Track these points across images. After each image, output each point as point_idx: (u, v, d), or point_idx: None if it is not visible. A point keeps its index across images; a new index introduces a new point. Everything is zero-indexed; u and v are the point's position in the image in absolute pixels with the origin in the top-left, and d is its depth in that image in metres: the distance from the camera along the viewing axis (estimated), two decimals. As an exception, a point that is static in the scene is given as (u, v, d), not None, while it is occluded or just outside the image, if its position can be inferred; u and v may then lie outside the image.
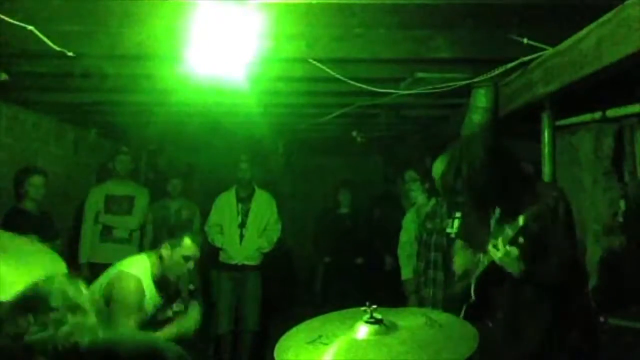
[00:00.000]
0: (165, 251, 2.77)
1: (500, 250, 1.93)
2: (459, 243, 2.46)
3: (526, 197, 2.02)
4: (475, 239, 2.22)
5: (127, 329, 0.95)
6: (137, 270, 2.71)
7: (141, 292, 2.67)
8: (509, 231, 1.92)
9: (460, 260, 2.35)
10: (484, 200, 2.16)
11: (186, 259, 2.79)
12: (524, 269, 1.95)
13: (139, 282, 2.67)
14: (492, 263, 2.01)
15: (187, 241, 2.80)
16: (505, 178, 2.07)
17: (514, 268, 1.96)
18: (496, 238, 1.96)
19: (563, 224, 2.02)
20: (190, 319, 2.78)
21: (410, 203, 4.39)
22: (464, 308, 2.14)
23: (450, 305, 2.51)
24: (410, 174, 4.20)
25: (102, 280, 2.72)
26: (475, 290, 2.10)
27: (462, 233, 2.55)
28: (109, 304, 2.59)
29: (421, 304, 3.19)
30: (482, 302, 2.12)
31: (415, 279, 3.49)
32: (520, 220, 1.90)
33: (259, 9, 2.11)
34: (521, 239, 1.92)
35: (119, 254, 4.58)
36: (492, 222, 2.14)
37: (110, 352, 0.90)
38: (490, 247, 1.98)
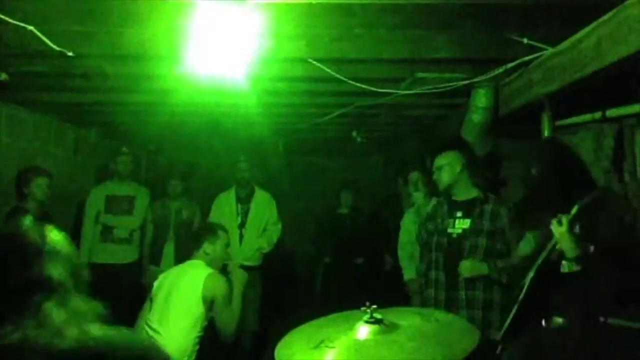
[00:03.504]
0: (209, 247, 3.11)
1: (563, 225, 2.04)
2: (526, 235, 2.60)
3: (582, 192, 2.12)
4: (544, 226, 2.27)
5: (123, 331, 0.94)
6: (214, 272, 3.05)
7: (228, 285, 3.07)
8: (573, 211, 2.05)
9: (523, 249, 2.49)
10: (545, 200, 2.29)
11: (226, 246, 3.22)
12: (578, 254, 2.01)
13: (225, 280, 3.06)
14: (550, 260, 2.07)
15: (222, 232, 3.22)
16: (570, 177, 2.21)
17: (570, 247, 2.03)
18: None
19: (615, 219, 2.11)
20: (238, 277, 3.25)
21: (410, 203, 4.39)
22: (515, 307, 2.15)
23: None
24: (415, 175, 4.21)
25: (184, 285, 2.97)
26: (529, 288, 2.13)
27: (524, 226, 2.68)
28: (211, 306, 2.94)
29: (423, 304, 3.18)
30: (537, 303, 2.15)
31: (418, 280, 3.49)
32: (574, 209, 2.05)
33: (259, 9, 2.12)
34: (578, 227, 2.04)
35: (119, 254, 4.62)
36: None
37: (101, 353, 0.89)
38: (554, 223, 2.08)
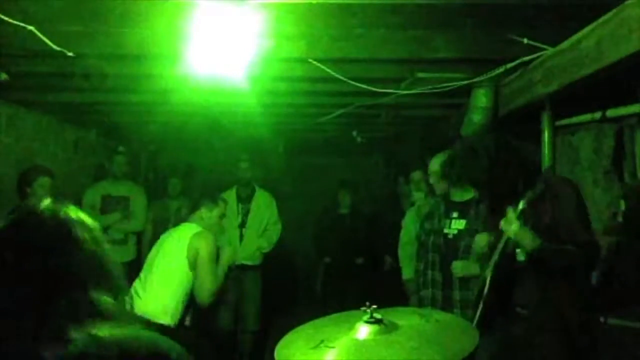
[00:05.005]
0: (206, 213, 3.19)
1: (514, 224, 2.04)
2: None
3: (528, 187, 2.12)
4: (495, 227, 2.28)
5: (134, 327, 0.92)
6: (205, 231, 3.11)
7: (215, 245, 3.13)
8: (519, 206, 2.05)
9: (477, 246, 2.54)
10: (495, 196, 2.29)
11: (221, 217, 3.30)
12: (539, 244, 2.01)
13: (212, 239, 3.11)
14: (506, 254, 2.08)
15: (222, 202, 3.32)
16: (511, 172, 2.17)
17: (529, 241, 2.03)
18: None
19: (573, 211, 2.09)
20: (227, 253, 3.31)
21: (411, 203, 4.39)
22: (480, 305, 2.16)
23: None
24: (417, 174, 4.21)
25: (173, 240, 3.07)
26: (490, 286, 2.13)
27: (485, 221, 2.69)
28: (194, 266, 2.97)
29: (421, 304, 3.19)
30: (500, 299, 2.16)
31: (416, 279, 3.49)
32: (521, 204, 2.05)
33: (259, 9, 2.12)
34: (528, 221, 2.04)
35: (115, 254, 4.58)
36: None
37: (118, 350, 0.88)
38: (502, 223, 2.09)
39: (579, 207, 2.12)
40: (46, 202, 0.99)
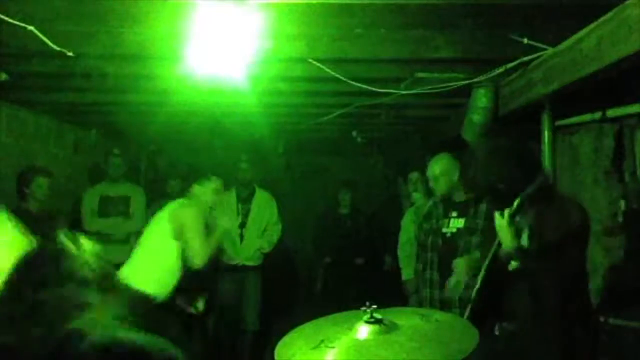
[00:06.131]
0: (198, 189, 3.20)
1: (505, 218, 2.08)
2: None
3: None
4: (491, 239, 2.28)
5: (124, 330, 0.95)
6: (190, 202, 3.15)
7: (203, 213, 3.15)
8: (515, 203, 2.08)
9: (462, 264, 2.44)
10: (506, 199, 2.28)
11: (216, 192, 3.29)
12: (515, 246, 2.04)
13: (198, 207, 3.13)
14: (498, 258, 2.06)
15: (213, 178, 3.29)
16: (526, 180, 2.18)
17: (508, 240, 2.07)
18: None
19: (573, 231, 2.09)
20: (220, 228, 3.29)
21: (410, 203, 4.39)
22: (467, 309, 2.15)
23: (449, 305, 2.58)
24: (415, 175, 4.20)
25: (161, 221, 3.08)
26: (479, 291, 2.13)
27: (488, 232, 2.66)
28: (180, 234, 3.00)
29: (420, 304, 3.19)
30: (489, 306, 2.15)
31: (415, 280, 3.49)
32: (515, 202, 2.08)
33: (259, 9, 2.11)
34: (520, 219, 2.07)
35: (116, 254, 4.59)
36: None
37: (107, 351, 0.90)
38: (496, 215, 2.11)
39: (580, 230, 2.12)
40: (60, 236, 1.06)
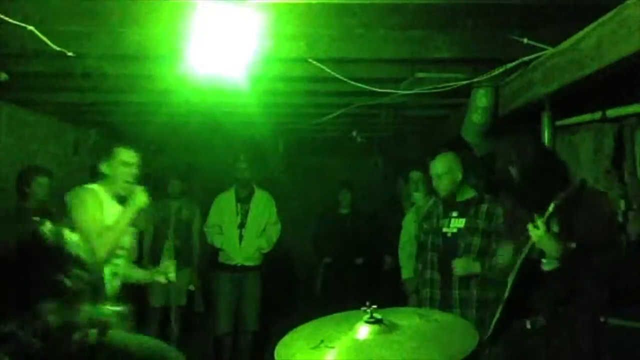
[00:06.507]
0: (104, 168, 2.82)
1: (540, 229, 2.05)
2: (503, 243, 2.60)
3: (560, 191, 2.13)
4: (517, 235, 2.28)
5: (132, 334, 0.97)
6: (87, 185, 2.80)
7: (96, 196, 2.74)
8: (548, 212, 2.07)
9: (502, 259, 2.46)
10: (529, 201, 2.28)
11: (125, 164, 2.84)
12: (562, 251, 2.02)
13: (91, 189, 2.76)
14: (530, 260, 2.09)
15: (119, 149, 2.85)
16: (552, 182, 2.19)
17: (552, 248, 2.05)
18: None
19: (605, 225, 2.11)
20: (139, 196, 2.85)
21: (411, 203, 4.39)
22: (499, 308, 2.16)
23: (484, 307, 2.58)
24: (416, 174, 4.20)
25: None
26: (512, 289, 2.13)
27: (506, 230, 2.67)
28: (73, 221, 2.64)
29: (420, 304, 3.19)
30: (520, 302, 2.16)
31: (415, 279, 3.50)
32: (551, 206, 2.06)
33: (259, 9, 2.12)
34: (555, 225, 2.06)
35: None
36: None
37: (121, 352, 0.90)
38: (530, 227, 2.09)
39: (611, 222, 2.13)
40: (48, 225, 1.03)
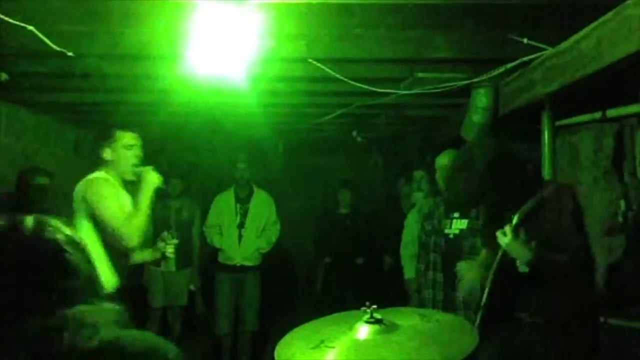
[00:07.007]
0: (106, 154, 2.71)
1: (507, 236, 2.05)
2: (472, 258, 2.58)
3: (529, 196, 2.12)
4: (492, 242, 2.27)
5: (131, 331, 0.93)
6: (97, 175, 2.70)
7: (111, 184, 2.66)
8: (514, 221, 2.06)
9: (469, 274, 2.44)
10: (494, 205, 2.27)
11: (129, 147, 2.75)
12: (532, 257, 2.03)
13: (104, 179, 2.67)
14: (503, 262, 2.07)
15: (119, 132, 2.75)
16: (511, 181, 2.15)
17: (523, 254, 2.05)
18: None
19: (569, 217, 2.08)
20: (149, 175, 2.72)
21: (411, 203, 4.39)
22: (479, 313, 2.16)
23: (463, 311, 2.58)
24: (419, 173, 4.20)
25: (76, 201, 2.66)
26: (490, 293, 2.13)
27: (481, 238, 2.65)
28: (93, 216, 2.57)
29: (422, 304, 3.18)
30: (500, 303, 2.16)
31: (417, 280, 3.49)
32: (515, 218, 2.06)
33: (259, 9, 2.11)
34: (522, 233, 2.04)
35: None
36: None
37: (120, 350, 0.89)
38: (498, 234, 2.09)
39: (575, 214, 2.12)
40: (29, 220, 0.98)
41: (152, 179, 2.70)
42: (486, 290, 2.15)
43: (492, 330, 2.18)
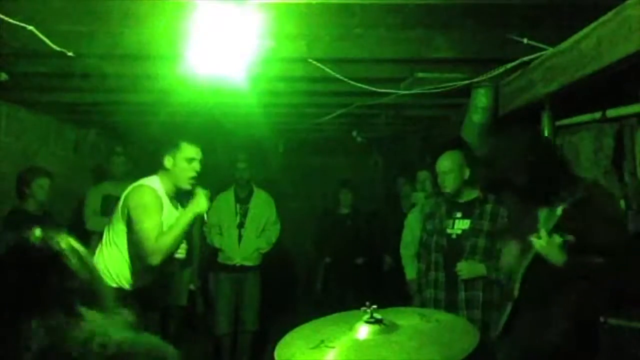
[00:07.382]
0: (168, 162, 2.74)
1: (543, 239, 2.03)
2: (505, 243, 2.54)
3: (567, 190, 2.11)
4: (522, 234, 2.26)
5: (130, 333, 0.94)
6: (150, 183, 2.72)
7: (158, 197, 2.65)
8: (551, 222, 2.04)
9: (506, 258, 2.43)
10: (530, 194, 2.26)
11: (189, 160, 2.79)
12: (566, 260, 2.01)
13: (153, 189, 2.67)
14: (537, 258, 2.07)
15: (184, 144, 2.81)
16: (550, 173, 2.17)
17: (557, 258, 2.03)
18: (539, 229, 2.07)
19: (603, 219, 2.08)
20: (200, 200, 2.74)
21: (411, 203, 4.39)
22: (509, 306, 2.16)
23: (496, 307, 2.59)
24: (423, 174, 4.20)
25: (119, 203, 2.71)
26: (520, 287, 2.13)
27: (509, 229, 2.65)
28: (129, 221, 2.59)
29: (424, 305, 3.17)
30: (530, 300, 2.15)
31: (418, 280, 3.49)
32: (559, 210, 2.02)
33: (259, 9, 2.12)
34: (561, 231, 2.02)
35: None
36: (541, 216, 2.20)
37: (119, 351, 0.90)
38: (533, 238, 2.07)
39: (614, 217, 2.11)
40: (37, 232, 1.00)
41: (202, 203, 2.72)
42: (517, 285, 2.15)
43: (516, 329, 2.18)
